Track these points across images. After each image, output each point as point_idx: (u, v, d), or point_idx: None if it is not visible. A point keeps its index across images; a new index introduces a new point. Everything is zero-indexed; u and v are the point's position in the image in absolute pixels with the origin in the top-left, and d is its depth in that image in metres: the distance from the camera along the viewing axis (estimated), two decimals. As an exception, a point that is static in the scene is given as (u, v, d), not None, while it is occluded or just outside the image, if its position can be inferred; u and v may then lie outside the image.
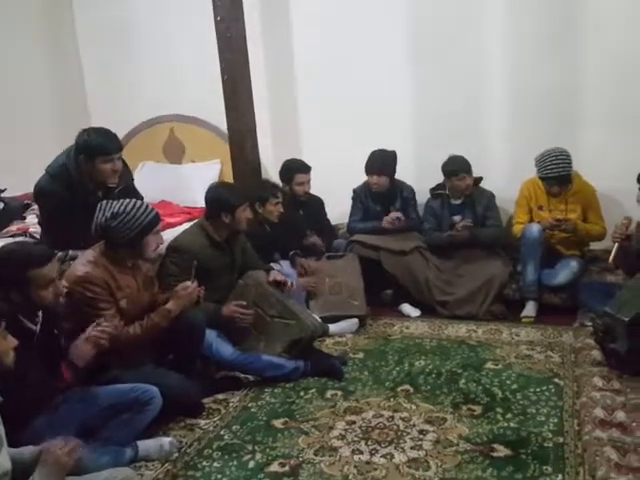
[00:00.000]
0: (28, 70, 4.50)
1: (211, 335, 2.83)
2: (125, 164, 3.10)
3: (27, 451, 1.78)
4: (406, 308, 3.72)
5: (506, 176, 3.88)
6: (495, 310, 3.54)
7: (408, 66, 4.11)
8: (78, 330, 2.29)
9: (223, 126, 4.15)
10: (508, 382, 2.76)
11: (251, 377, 2.90)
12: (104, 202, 2.54)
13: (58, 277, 2.22)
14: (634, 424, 2.29)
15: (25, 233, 3.46)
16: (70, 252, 2.93)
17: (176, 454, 2.33)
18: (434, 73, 4.07)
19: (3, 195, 3.81)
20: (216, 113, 4.13)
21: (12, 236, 3.40)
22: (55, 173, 2.89)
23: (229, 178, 4.14)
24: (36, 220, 3.64)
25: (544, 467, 2.13)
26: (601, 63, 3.69)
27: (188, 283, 2.64)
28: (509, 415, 2.48)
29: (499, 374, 2.84)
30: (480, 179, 3.77)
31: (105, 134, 2.90)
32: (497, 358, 3.01)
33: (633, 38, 3.59)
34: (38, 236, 3.34)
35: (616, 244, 2.96)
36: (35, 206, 3.91)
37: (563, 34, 3.76)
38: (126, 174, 3.12)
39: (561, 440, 2.28)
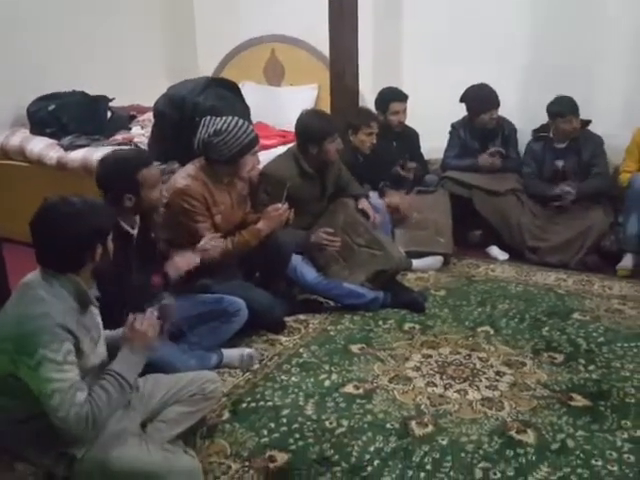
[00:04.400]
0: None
1: (297, 259, 2.90)
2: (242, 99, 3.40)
3: (123, 331, 1.84)
4: (494, 250, 3.64)
5: (617, 121, 3.61)
6: (589, 261, 3.39)
7: (521, 3, 3.84)
8: (174, 240, 2.43)
9: (325, 50, 4.07)
10: (594, 334, 2.68)
11: (332, 303, 2.98)
12: (208, 118, 2.61)
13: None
14: None
15: (130, 142, 3.62)
16: (170, 163, 3.09)
17: (257, 365, 2.47)
18: (549, 9, 3.78)
19: (111, 105, 3.98)
20: (319, 36, 4.04)
21: (118, 144, 3.56)
22: (174, 100, 3.22)
23: (326, 103, 4.10)
24: (141, 131, 3.83)
25: (623, 421, 2.08)
26: None
27: (279, 205, 2.69)
28: (592, 367, 2.42)
29: (585, 325, 2.76)
30: (588, 122, 3.52)
31: None
32: (585, 309, 2.91)
33: None
34: (142, 146, 3.51)
35: None
36: (140, 117, 4.10)
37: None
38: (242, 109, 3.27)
39: (644, 398, 2.22)
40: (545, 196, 3.54)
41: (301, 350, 2.60)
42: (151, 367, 1.84)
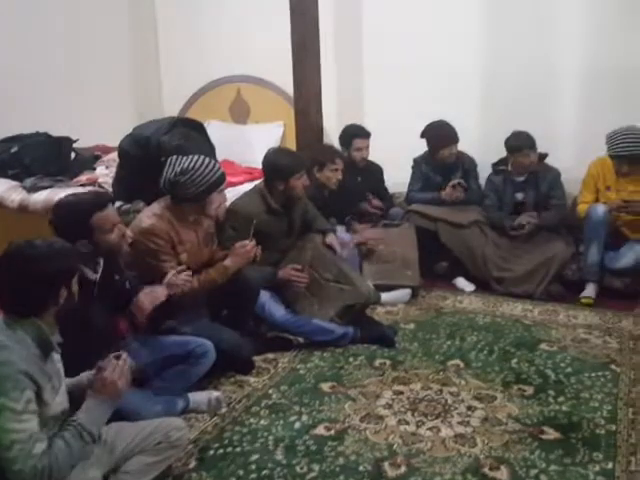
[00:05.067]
0: (104, 23, 4.57)
1: (265, 295, 2.88)
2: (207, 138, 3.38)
3: (85, 376, 1.83)
4: (460, 282, 3.67)
5: (573, 154, 3.73)
6: (553, 290, 3.44)
7: (477, 38, 3.98)
8: (140, 281, 2.38)
9: (290, 89, 4.14)
10: (562, 365, 2.70)
11: (301, 339, 2.95)
12: (174, 157, 2.60)
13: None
14: (693, 418, 2.22)
15: (94, 183, 3.57)
16: (135, 203, 3.06)
17: (225, 409, 2.40)
18: (504, 47, 3.92)
19: (75, 146, 3.94)
20: (283, 76, 4.11)
21: (82, 185, 3.51)
22: (138, 140, 3.18)
23: (292, 141, 4.15)
24: (105, 171, 3.79)
25: (594, 454, 2.09)
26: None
27: (246, 242, 2.68)
28: (561, 398, 2.43)
29: (553, 356, 2.78)
30: (545, 155, 3.62)
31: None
32: (552, 340, 2.94)
33: None
34: (106, 186, 3.47)
35: None
36: (105, 157, 4.07)
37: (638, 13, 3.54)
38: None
39: (614, 428, 2.22)
40: (505, 227, 3.60)
41: (270, 391, 2.55)
42: (114, 415, 1.77)
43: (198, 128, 3.49)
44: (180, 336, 2.45)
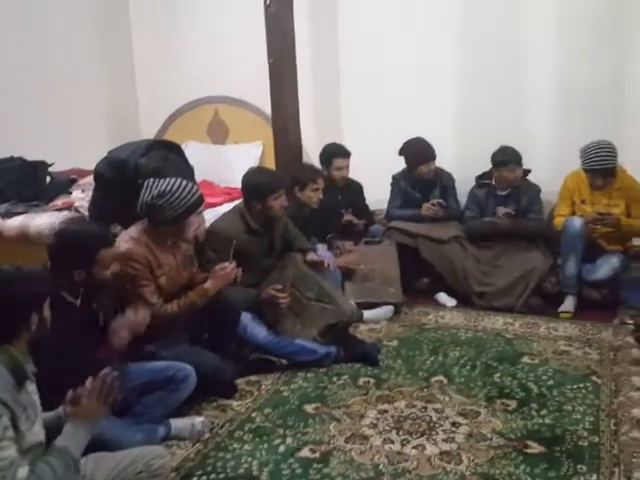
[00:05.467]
0: (78, 45, 4.56)
1: (246, 317, 2.86)
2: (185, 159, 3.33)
3: (63, 410, 1.77)
4: (442, 297, 3.69)
5: (550, 169, 3.78)
6: (533, 303, 3.48)
7: (454, 55, 4.05)
8: (118, 305, 2.35)
9: (267, 109, 4.16)
10: (544, 378, 2.71)
11: (284, 360, 2.92)
12: (151, 180, 2.58)
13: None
14: (674, 427, 2.24)
15: (70, 207, 3.54)
16: (112, 228, 3.02)
17: (207, 434, 2.36)
18: (480, 64, 3.99)
19: (50, 169, 3.90)
20: (261, 96, 4.13)
21: (58, 210, 3.48)
22: (114, 163, 3.12)
23: (271, 160, 4.16)
24: (81, 195, 3.75)
25: (578, 466, 2.09)
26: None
27: (226, 264, 2.67)
28: (544, 411, 2.44)
29: (535, 369, 2.79)
30: (528, 171, 3.69)
31: None
32: (534, 353, 2.96)
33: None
34: (82, 210, 3.44)
35: None
36: (80, 181, 4.03)
37: (612, 28, 3.66)
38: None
39: (597, 439, 2.24)
40: (484, 227, 3.65)
41: (254, 414, 2.52)
42: (94, 446, 1.74)
43: (176, 150, 3.48)
44: (159, 361, 2.41)
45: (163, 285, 2.56)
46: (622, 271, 3.40)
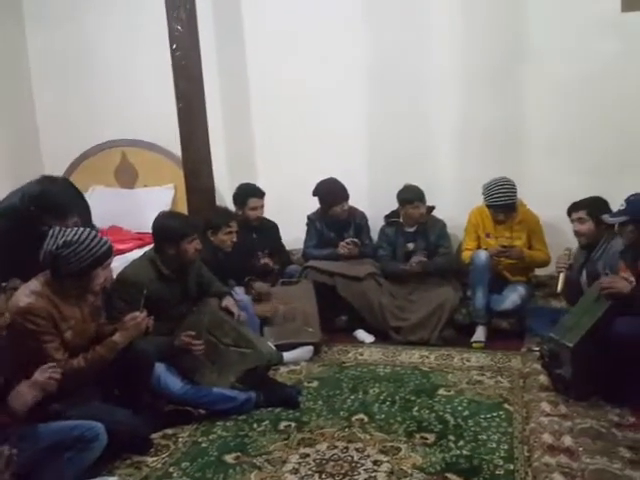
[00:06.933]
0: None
1: (160, 368, 2.75)
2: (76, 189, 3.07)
3: None
4: (360, 334, 3.73)
5: (456, 204, 3.98)
6: (446, 335, 3.59)
7: (362, 96, 4.20)
8: (20, 364, 2.20)
9: (178, 151, 4.12)
10: (460, 408, 2.78)
11: (202, 410, 2.83)
12: (57, 229, 2.45)
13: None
14: (580, 449, 2.35)
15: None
16: (11, 281, 2.83)
17: (122, 494, 2.24)
18: (386, 104, 4.17)
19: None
20: (171, 139, 4.10)
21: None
22: (5, 210, 2.84)
23: (183, 203, 4.10)
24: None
25: (496, 496, 2.15)
26: (543, 95, 3.86)
27: (137, 313, 2.57)
28: (461, 442, 2.49)
29: (451, 400, 2.86)
30: (433, 208, 3.85)
31: None
32: (449, 384, 3.04)
33: (573, 71, 3.77)
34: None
35: (561, 274, 3.07)
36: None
37: (507, 67, 3.94)
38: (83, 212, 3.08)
39: (512, 467, 2.30)
40: (398, 270, 3.75)
41: (171, 469, 2.41)
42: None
43: (67, 180, 3.30)
44: (66, 421, 2.27)
45: (69, 340, 2.42)
46: (527, 300, 3.59)
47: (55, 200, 2.73)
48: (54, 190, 2.79)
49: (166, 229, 2.96)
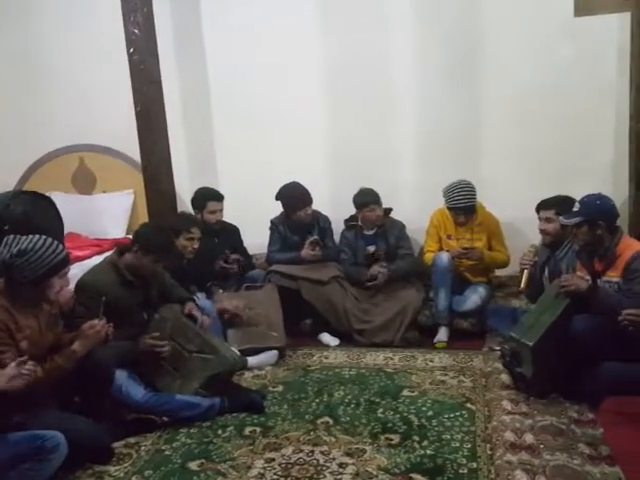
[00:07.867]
0: None
1: (121, 376, 2.70)
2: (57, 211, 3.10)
3: None
4: (325, 337, 3.73)
5: (416, 207, 4.04)
6: (410, 337, 3.62)
7: (322, 99, 4.22)
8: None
9: (137, 156, 4.06)
10: (424, 409, 2.81)
11: (165, 417, 2.78)
12: (11, 237, 2.38)
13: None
14: (542, 446, 2.40)
15: None
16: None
17: (83, 505, 2.19)
18: (347, 107, 4.20)
19: None
20: (129, 143, 4.03)
21: None
22: None
23: (143, 208, 4.03)
24: None
25: (460, 494, 2.17)
26: (502, 99, 3.95)
27: (96, 321, 2.51)
28: (425, 443, 2.52)
29: (415, 401, 2.88)
30: (390, 210, 3.89)
31: None
32: (413, 385, 3.06)
33: (532, 77, 3.87)
34: None
35: (525, 271, 3.10)
36: None
37: (467, 72, 4.02)
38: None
39: (475, 465, 2.33)
40: (361, 279, 3.76)
41: (133, 478, 2.37)
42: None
43: (47, 200, 3.28)
44: (25, 431, 2.20)
45: (25, 350, 2.35)
46: (487, 301, 3.65)
47: (37, 224, 2.75)
48: (35, 215, 2.75)
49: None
